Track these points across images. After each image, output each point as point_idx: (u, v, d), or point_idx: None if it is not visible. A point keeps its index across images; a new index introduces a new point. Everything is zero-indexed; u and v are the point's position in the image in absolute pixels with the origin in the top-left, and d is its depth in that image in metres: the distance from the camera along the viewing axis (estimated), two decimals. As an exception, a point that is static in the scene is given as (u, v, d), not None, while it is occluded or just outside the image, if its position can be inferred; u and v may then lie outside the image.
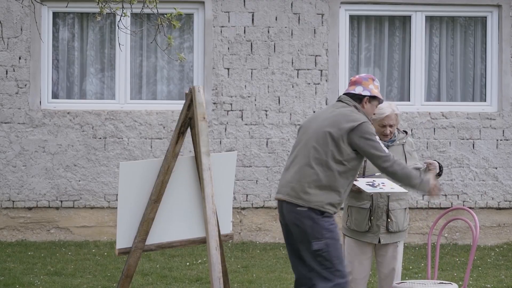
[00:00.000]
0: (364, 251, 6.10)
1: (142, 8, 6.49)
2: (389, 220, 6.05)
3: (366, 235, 6.06)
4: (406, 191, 5.82)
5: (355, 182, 5.74)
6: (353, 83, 5.62)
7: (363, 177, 5.93)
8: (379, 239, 6.06)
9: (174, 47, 10.51)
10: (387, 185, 5.84)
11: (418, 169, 6.03)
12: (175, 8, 6.30)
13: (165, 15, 6.32)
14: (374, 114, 5.90)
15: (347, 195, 5.56)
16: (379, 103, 5.70)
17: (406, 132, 6.27)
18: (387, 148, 5.89)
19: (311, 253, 5.34)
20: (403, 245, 6.28)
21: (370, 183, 5.82)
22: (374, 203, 6.02)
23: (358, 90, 5.57)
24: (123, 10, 6.49)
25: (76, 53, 10.57)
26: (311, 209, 5.35)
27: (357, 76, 5.67)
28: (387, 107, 6.08)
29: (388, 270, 6.15)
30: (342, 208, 5.98)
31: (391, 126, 6.06)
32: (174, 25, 6.23)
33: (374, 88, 5.61)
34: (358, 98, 5.58)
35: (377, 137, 5.49)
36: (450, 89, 10.83)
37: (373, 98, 5.61)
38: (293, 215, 5.37)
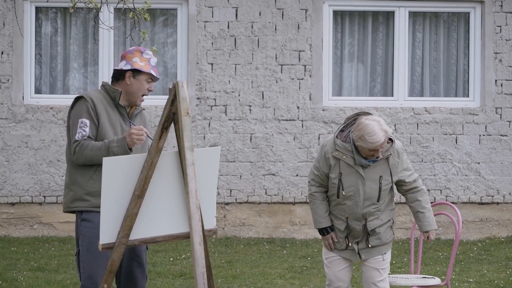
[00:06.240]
0: (345, 260, 5.68)
1: (118, 2, 6.50)
2: (369, 236, 5.59)
3: (345, 252, 5.66)
4: None
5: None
6: (120, 59, 5.25)
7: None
8: (360, 256, 5.64)
9: (157, 41, 10.49)
10: None
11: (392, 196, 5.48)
12: (146, 2, 6.30)
13: (137, 9, 6.32)
14: (360, 137, 5.30)
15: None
16: (151, 79, 5.21)
17: (392, 140, 5.53)
18: (365, 168, 5.41)
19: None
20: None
21: None
22: (350, 226, 5.58)
23: (121, 65, 5.21)
24: (101, 5, 6.48)
25: (59, 48, 10.53)
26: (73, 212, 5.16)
27: (125, 51, 5.28)
28: (379, 131, 5.33)
29: (372, 281, 5.68)
30: None
31: (382, 148, 5.42)
32: (145, 18, 6.23)
33: (139, 61, 5.19)
34: (120, 73, 5.19)
35: (84, 120, 5.06)
36: (433, 85, 10.87)
37: (137, 72, 5.18)
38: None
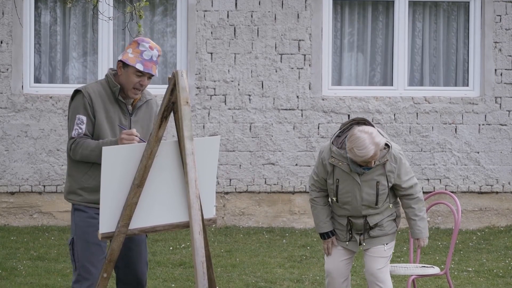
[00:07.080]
0: (347, 252, 5.74)
1: None
2: (371, 229, 5.63)
3: (347, 243, 5.71)
4: None
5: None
6: None
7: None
8: (362, 244, 5.68)
9: (157, 31, 10.47)
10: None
11: None
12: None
13: (135, 4, 6.33)
14: (351, 149, 5.30)
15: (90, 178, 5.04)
16: (140, 73, 4.99)
17: (388, 146, 5.45)
18: (361, 175, 5.40)
19: None
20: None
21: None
22: (352, 222, 5.62)
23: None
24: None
25: (58, 37, 10.52)
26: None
27: None
28: (369, 145, 5.30)
29: (372, 270, 5.71)
30: None
31: (374, 159, 5.38)
32: (140, 15, 6.25)
33: (130, 53, 4.99)
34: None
35: (81, 116, 4.99)
36: (433, 74, 10.86)
37: (126, 64, 5.01)
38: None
